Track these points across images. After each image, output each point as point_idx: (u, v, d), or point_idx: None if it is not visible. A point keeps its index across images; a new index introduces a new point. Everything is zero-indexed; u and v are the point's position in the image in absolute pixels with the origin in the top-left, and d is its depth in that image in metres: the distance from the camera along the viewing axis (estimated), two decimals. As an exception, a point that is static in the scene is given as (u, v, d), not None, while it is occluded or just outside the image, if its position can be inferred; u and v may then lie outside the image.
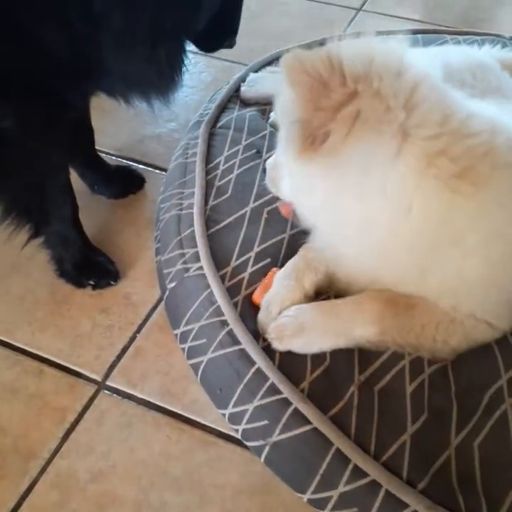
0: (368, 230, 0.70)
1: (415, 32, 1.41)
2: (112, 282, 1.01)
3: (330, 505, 0.70)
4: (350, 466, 0.69)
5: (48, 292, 1.00)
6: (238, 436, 0.78)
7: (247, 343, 0.78)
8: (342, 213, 0.71)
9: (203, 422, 0.84)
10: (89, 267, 1.01)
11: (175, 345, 0.90)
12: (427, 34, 1.39)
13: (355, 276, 0.79)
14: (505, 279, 0.73)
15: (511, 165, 0.68)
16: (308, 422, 0.72)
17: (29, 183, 0.91)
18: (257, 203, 0.96)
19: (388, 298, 0.76)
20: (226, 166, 1.02)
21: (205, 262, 0.87)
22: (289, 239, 0.91)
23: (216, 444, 0.82)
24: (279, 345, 0.77)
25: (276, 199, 0.96)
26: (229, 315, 0.81)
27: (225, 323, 0.81)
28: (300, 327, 0.76)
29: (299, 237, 0.90)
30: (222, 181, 1.00)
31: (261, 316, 0.80)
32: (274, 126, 1.12)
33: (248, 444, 0.77)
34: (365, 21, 1.74)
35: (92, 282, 1.00)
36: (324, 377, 0.76)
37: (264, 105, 1.17)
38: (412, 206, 0.67)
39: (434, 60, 0.90)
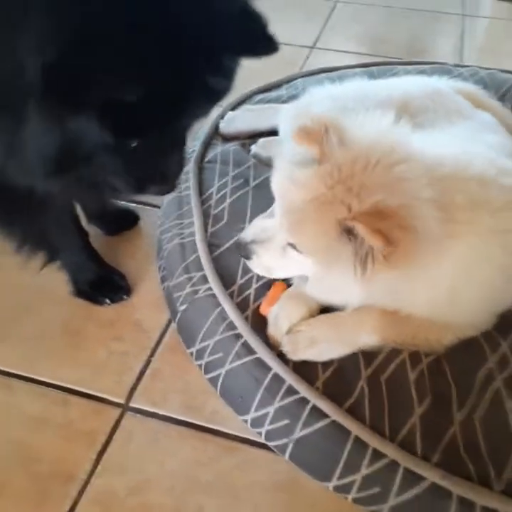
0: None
1: (369, 65, 1.56)
2: (125, 297, 1.09)
3: (355, 488, 0.78)
4: (370, 450, 0.77)
5: (61, 328, 1.05)
6: (261, 438, 0.85)
7: (262, 352, 0.86)
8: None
9: (225, 430, 0.91)
10: (104, 285, 1.09)
11: (189, 363, 0.97)
12: (380, 66, 1.53)
13: None
14: (495, 297, 0.84)
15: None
16: (327, 416, 0.80)
17: (34, 227, 0.99)
18: (251, 226, 1.05)
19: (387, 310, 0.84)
20: (218, 196, 1.11)
21: (213, 283, 0.95)
22: (285, 256, 1.00)
23: (240, 449, 0.89)
24: (293, 356, 0.85)
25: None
26: (242, 328, 0.89)
27: (239, 336, 0.89)
28: (311, 340, 0.84)
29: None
30: (217, 210, 1.09)
31: (271, 330, 0.88)
32: (256, 158, 1.23)
33: (272, 444, 0.84)
34: (319, 58, 1.88)
35: (107, 300, 1.08)
36: (335, 375, 0.84)
37: (244, 140, 1.28)
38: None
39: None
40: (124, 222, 1.27)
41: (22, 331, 1.04)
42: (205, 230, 1.04)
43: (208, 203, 1.10)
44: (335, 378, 0.84)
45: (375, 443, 0.78)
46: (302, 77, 1.50)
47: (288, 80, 1.48)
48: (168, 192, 0.81)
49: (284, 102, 1.37)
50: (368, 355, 0.86)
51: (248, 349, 0.87)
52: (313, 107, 1.19)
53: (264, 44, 0.65)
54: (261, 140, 1.26)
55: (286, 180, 0.74)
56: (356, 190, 0.68)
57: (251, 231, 0.85)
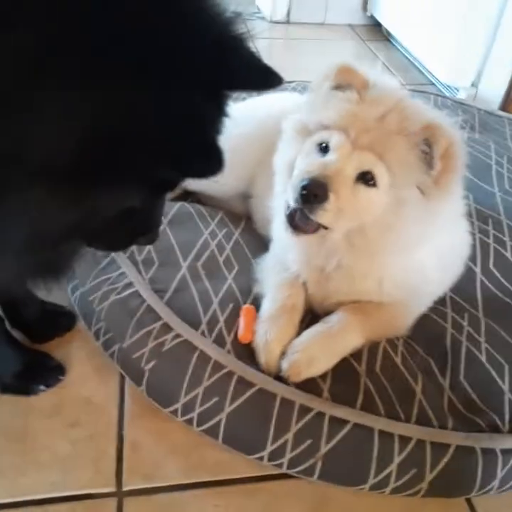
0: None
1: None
2: (61, 377, 0.94)
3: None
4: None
5: (0, 435, 0.88)
6: (282, 469, 0.83)
7: (262, 382, 0.84)
8: None
9: (238, 476, 0.86)
10: (33, 371, 0.92)
11: (165, 424, 0.90)
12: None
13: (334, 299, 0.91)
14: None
15: None
16: (347, 422, 0.82)
17: None
18: (187, 262, 1.01)
19: (362, 310, 0.89)
20: (136, 240, 1.04)
21: (180, 329, 0.89)
22: (235, 282, 0.98)
23: (261, 488, 0.85)
24: (296, 379, 0.84)
25: (203, 251, 1.02)
26: (232, 364, 0.85)
27: (231, 373, 0.84)
28: (310, 360, 0.84)
29: (240, 278, 0.99)
30: (143, 255, 1.01)
31: (265, 357, 0.85)
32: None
33: (296, 470, 0.82)
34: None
35: (42, 386, 0.92)
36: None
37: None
38: None
39: None
40: (59, 325, 1.04)
41: (-50, 455, 0.84)
42: (143, 278, 0.96)
43: (129, 251, 1.02)
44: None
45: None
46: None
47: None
48: (154, 240, 0.70)
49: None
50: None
51: (246, 384, 0.84)
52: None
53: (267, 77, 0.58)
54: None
55: (344, 104, 0.75)
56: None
57: (313, 168, 0.74)
